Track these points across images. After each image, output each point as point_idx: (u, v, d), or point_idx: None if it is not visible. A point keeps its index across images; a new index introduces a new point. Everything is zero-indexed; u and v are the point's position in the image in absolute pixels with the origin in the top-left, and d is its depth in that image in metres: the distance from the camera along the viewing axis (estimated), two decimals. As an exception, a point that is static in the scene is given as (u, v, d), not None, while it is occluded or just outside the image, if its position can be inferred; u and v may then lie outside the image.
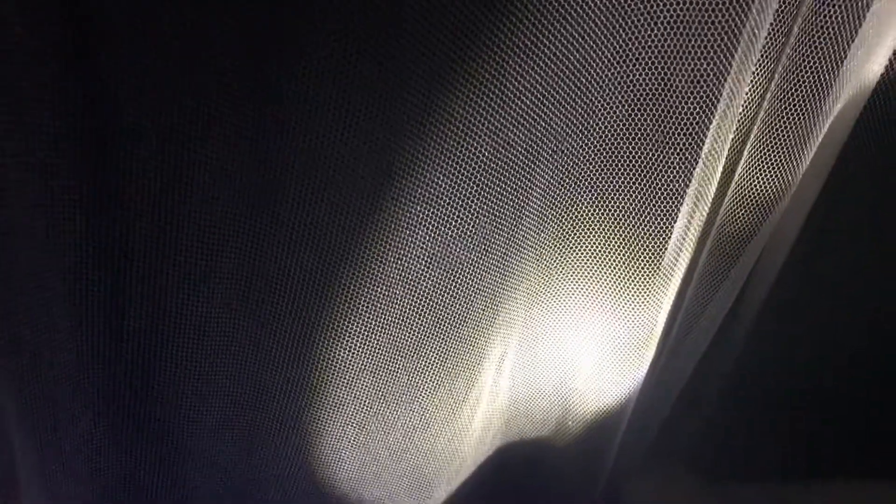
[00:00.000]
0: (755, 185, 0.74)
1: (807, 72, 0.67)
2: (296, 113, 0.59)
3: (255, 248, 0.68)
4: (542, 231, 0.76)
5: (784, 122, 0.70)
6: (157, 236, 0.64)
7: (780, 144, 0.71)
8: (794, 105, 0.69)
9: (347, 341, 0.75)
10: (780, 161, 0.72)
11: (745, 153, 0.73)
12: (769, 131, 0.72)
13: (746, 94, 0.68)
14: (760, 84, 0.67)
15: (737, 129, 0.70)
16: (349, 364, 0.77)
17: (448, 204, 0.67)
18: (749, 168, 0.74)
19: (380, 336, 0.75)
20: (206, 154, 0.61)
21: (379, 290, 0.71)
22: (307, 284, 0.70)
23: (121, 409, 0.77)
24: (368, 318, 0.73)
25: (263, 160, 0.62)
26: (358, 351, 0.76)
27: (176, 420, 0.81)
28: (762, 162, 0.73)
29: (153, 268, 0.66)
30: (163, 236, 0.64)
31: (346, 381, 0.78)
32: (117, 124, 0.58)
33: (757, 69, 0.66)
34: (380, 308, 0.73)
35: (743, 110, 0.69)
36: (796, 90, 0.68)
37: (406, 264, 0.70)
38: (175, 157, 0.60)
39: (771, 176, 0.73)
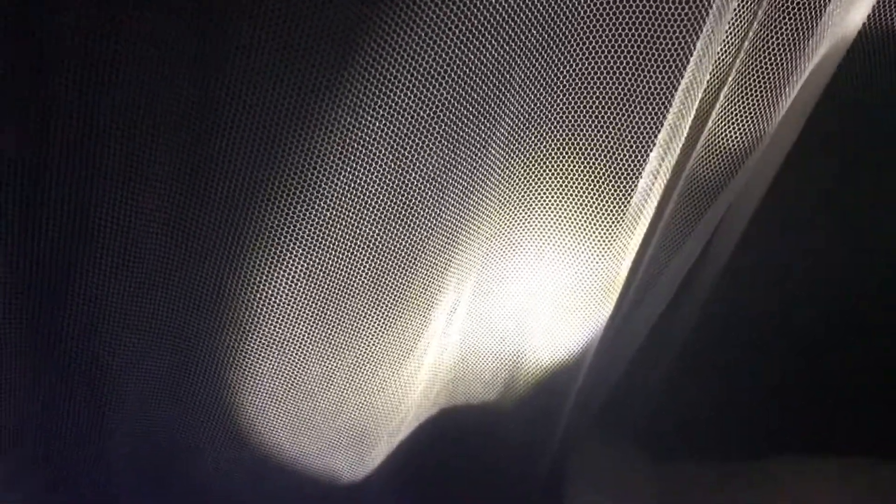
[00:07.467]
0: (728, 135, 0.72)
1: (785, 20, 0.65)
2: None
3: (189, 166, 0.63)
4: (506, 168, 0.72)
5: (760, 71, 0.69)
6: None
7: (756, 93, 0.70)
8: (772, 54, 0.68)
9: (287, 273, 0.69)
10: (755, 111, 0.71)
11: (720, 100, 0.71)
12: (745, 79, 0.70)
13: (724, 38, 0.65)
14: (739, 29, 0.65)
15: (713, 73, 0.68)
16: (289, 300, 0.71)
17: (407, 122, 0.62)
18: (723, 116, 0.72)
19: (323, 269, 0.70)
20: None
21: (323, 215, 0.65)
22: (243, 208, 0.64)
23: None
24: (311, 245, 0.67)
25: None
26: (299, 285, 0.70)
27: (92, 361, 0.75)
28: (736, 110, 0.71)
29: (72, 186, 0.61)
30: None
31: (285, 318, 0.73)
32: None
33: (735, 13, 0.64)
34: (324, 236, 0.67)
35: (720, 55, 0.67)
36: (774, 39, 0.67)
37: (356, 188, 0.65)
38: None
39: (744, 125, 0.71)
